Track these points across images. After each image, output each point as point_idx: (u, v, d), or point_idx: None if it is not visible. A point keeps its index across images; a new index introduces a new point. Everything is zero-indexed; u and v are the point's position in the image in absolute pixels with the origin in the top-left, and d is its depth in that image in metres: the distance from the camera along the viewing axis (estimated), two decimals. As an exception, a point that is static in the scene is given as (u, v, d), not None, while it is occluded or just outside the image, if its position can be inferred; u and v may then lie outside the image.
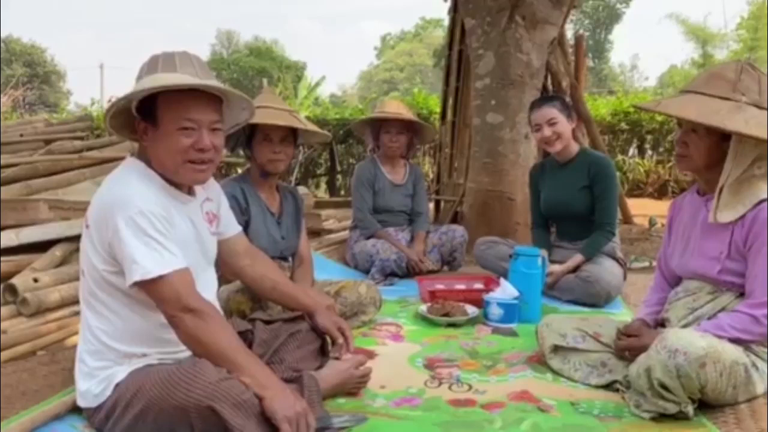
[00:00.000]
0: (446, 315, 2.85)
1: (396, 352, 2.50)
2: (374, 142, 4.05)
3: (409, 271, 3.73)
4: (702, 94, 1.90)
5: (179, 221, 1.75)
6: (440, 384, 2.16)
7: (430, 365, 2.34)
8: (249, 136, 2.67)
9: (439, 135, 5.95)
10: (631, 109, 9.51)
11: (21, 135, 5.78)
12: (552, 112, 3.26)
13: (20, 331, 2.46)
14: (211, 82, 1.75)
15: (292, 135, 2.71)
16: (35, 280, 2.75)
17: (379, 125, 3.97)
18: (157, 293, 1.62)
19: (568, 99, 3.51)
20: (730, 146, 1.88)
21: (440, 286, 3.33)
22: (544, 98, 3.81)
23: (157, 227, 1.64)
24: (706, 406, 1.86)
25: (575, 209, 3.33)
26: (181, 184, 1.79)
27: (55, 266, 3.05)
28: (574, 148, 3.37)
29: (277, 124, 2.63)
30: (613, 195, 3.35)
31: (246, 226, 2.60)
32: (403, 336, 2.70)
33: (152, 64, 1.75)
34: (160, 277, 1.60)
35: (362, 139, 4.61)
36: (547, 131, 3.25)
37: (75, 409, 1.81)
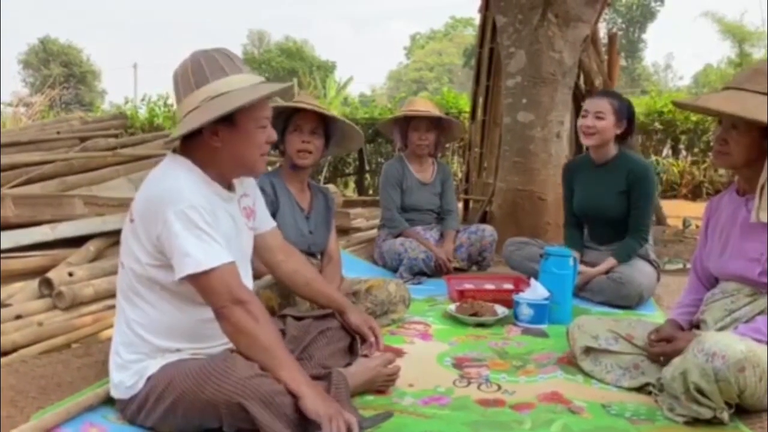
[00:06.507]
0: (475, 315, 2.83)
1: (424, 350, 2.49)
2: (402, 140, 4.04)
3: (438, 270, 3.72)
4: (744, 90, 1.86)
5: (222, 217, 1.76)
6: (469, 383, 2.14)
7: (458, 364, 2.32)
8: (282, 129, 2.70)
9: (468, 134, 5.91)
10: (665, 109, 9.32)
11: (58, 132, 5.92)
12: (604, 106, 3.18)
13: (56, 324, 2.51)
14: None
15: (322, 129, 2.72)
16: (70, 274, 2.80)
17: (407, 123, 3.96)
18: (207, 286, 1.63)
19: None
20: None
21: (469, 286, 3.30)
22: (607, 92, 3.74)
23: (207, 220, 1.65)
24: (742, 411, 1.81)
25: (610, 213, 3.26)
26: (222, 181, 1.81)
27: (89, 261, 3.10)
28: (612, 150, 3.27)
29: (306, 110, 2.65)
30: (650, 202, 3.28)
31: (273, 217, 2.62)
32: (432, 335, 2.69)
33: (212, 66, 1.74)
34: (212, 270, 1.62)
35: (390, 138, 4.57)
36: (589, 121, 3.18)
37: (108, 401, 1.83)
